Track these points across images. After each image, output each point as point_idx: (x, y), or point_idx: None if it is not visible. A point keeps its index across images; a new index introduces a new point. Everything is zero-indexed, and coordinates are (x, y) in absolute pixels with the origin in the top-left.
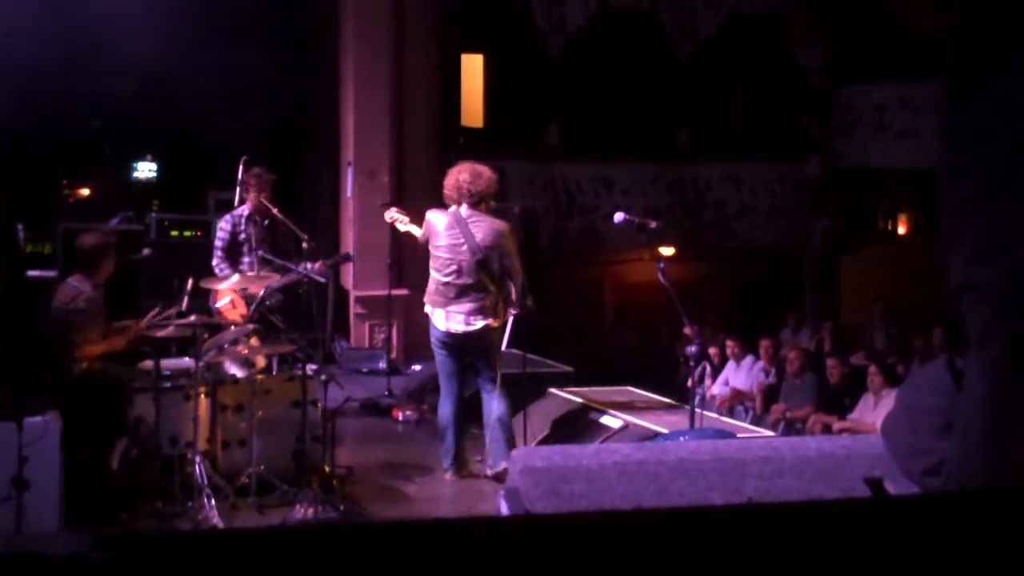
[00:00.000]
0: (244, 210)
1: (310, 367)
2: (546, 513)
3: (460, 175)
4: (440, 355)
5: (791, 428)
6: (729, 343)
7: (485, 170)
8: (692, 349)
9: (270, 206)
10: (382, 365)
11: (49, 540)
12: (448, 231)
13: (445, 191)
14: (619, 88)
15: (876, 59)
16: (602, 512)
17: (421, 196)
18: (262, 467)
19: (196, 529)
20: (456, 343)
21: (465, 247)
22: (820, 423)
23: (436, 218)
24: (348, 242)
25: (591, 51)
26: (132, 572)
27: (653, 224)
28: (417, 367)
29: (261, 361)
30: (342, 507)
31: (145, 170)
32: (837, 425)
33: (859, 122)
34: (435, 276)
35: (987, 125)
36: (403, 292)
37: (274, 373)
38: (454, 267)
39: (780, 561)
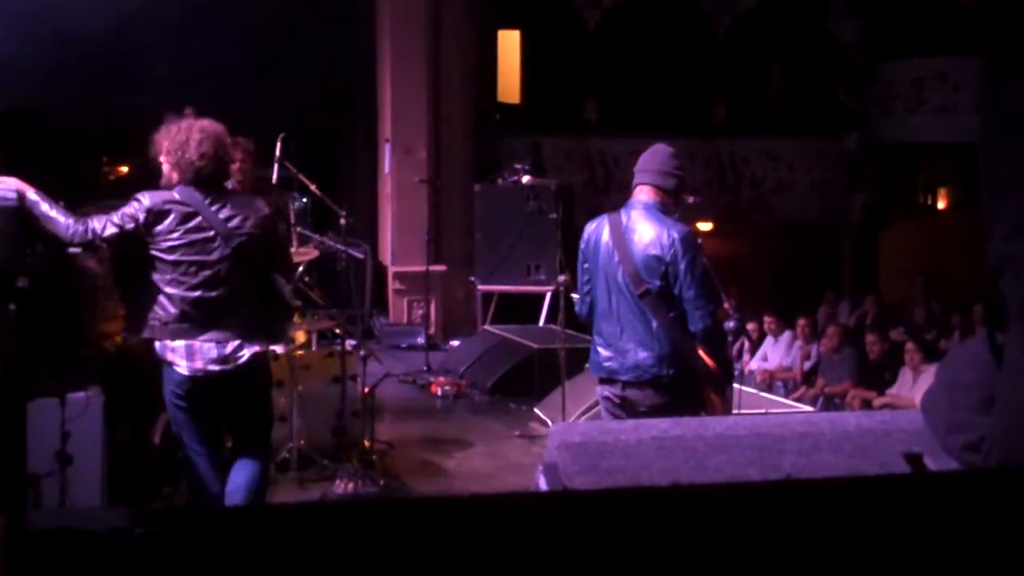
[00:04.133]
0: (227, 184)
1: (349, 343)
2: (584, 488)
3: (221, 138)
4: (181, 410)
5: (830, 403)
6: (767, 319)
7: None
8: (730, 324)
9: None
10: (420, 340)
11: (92, 515)
12: (187, 221)
13: (193, 160)
14: (656, 63)
15: (915, 33)
16: (640, 487)
17: (459, 171)
18: (302, 442)
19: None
20: (210, 388)
21: (223, 240)
22: (859, 398)
23: (162, 206)
24: (386, 218)
25: (628, 26)
26: (174, 547)
27: (691, 199)
28: (455, 343)
29: (301, 337)
30: (382, 482)
31: None
32: (877, 400)
33: (898, 97)
34: (170, 294)
35: None
36: (441, 268)
37: (313, 349)
38: (207, 273)
39: (819, 536)
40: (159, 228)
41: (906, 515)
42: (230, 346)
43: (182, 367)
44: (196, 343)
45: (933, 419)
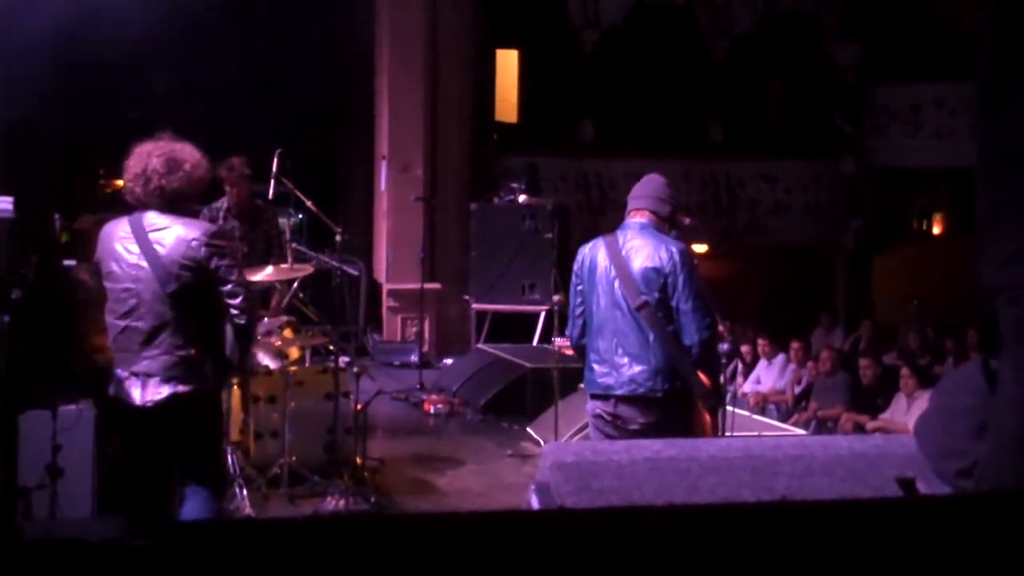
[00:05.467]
0: (223, 203)
1: (343, 359)
2: (576, 508)
3: (151, 162)
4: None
5: (823, 427)
6: (761, 341)
7: (190, 155)
8: (724, 347)
9: (251, 201)
10: (414, 358)
11: (83, 527)
12: (121, 246)
13: (126, 182)
14: (653, 84)
15: (912, 58)
16: (633, 507)
17: (455, 190)
18: (294, 458)
19: (228, 518)
20: (135, 419)
21: (148, 269)
22: (852, 422)
23: (108, 231)
24: (381, 235)
25: (626, 47)
26: (165, 559)
27: (687, 221)
28: (448, 361)
29: (294, 353)
30: (373, 499)
31: None
32: (870, 424)
33: (894, 121)
34: (108, 321)
35: (1022, 126)
36: (435, 286)
37: (307, 365)
38: (132, 302)
39: (811, 559)
40: (102, 253)
41: (898, 539)
42: (151, 382)
43: (112, 388)
44: (124, 373)
45: (926, 444)
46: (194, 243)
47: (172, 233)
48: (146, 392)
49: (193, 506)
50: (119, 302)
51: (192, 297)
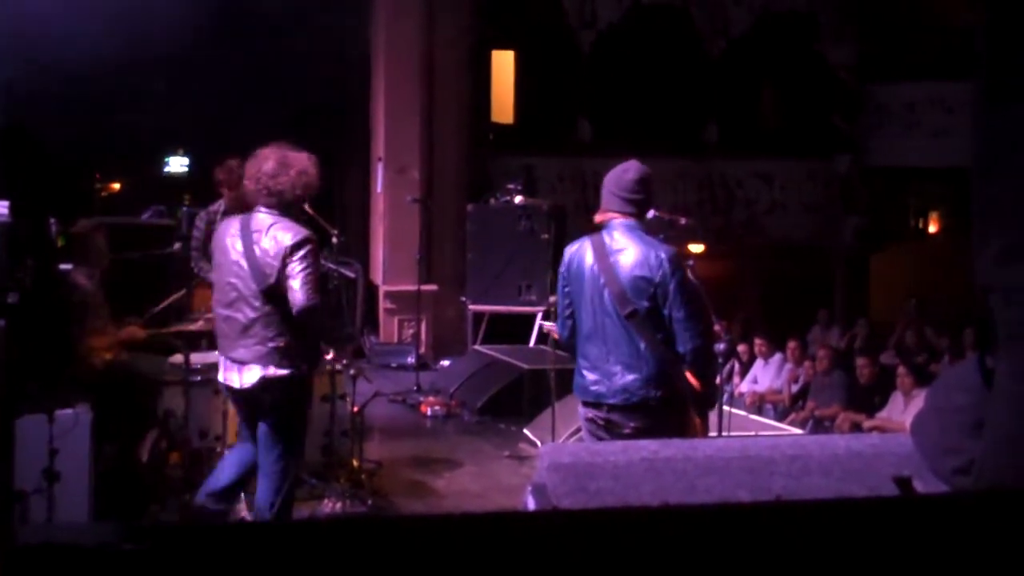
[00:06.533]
0: (219, 206)
1: (339, 362)
2: (573, 509)
3: (264, 164)
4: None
5: (819, 426)
6: (758, 341)
7: (299, 161)
8: (720, 347)
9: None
10: (411, 360)
11: (79, 531)
12: (230, 242)
13: (244, 181)
14: (650, 84)
15: (907, 57)
16: (629, 508)
17: (451, 191)
18: None
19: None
20: (235, 399)
21: (247, 266)
22: (849, 421)
23: (224, 225)
24: (378, 237)
25: (622, 47)
26: (161, 564)
27: (683, 221)
28: (445, 362)
29: None
30: (370, 501)
31: (177, 164)
32: (867, 423)
33: (890, 120)
34: (216, 310)
35: (1020, 123)
36: (432, 288)
37: None
38: (233, 295)
39: (808, 558)
40: (215, 245)
41: (895, 538)
42: (246, 367)
43: (220, 375)
44: (224, 359)
45: (923, 442)
46: (284, 246)
47: (270, 235)
48: (243, 377)
49: (265, 485)
50: (223, 293)
51: (282, 294)
